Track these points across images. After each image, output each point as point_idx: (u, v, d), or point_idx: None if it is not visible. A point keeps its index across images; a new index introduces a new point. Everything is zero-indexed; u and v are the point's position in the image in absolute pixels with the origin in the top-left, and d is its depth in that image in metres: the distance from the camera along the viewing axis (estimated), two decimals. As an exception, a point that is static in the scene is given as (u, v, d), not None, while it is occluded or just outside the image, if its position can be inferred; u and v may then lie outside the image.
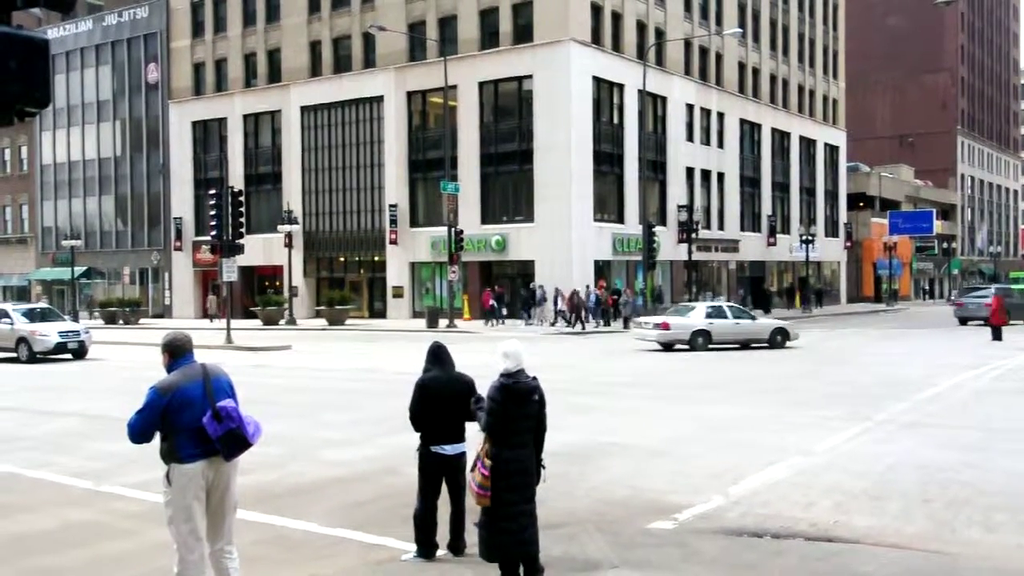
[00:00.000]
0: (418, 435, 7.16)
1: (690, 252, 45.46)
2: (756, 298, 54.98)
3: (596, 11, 44.94)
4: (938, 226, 78.68)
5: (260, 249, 49.87)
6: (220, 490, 5.79)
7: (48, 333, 27.14)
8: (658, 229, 43.86)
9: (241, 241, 32.54)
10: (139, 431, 5.70)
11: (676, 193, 50.01)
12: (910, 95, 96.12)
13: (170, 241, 57.24)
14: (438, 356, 7.18)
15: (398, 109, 47.86)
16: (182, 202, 56.54)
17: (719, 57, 54.84)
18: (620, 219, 46.26)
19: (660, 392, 17.84)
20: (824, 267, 67.59)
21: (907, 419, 13.77)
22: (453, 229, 39.52)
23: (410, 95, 47.69)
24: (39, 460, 11.64)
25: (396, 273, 48.11)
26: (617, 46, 46.32)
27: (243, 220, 32.72)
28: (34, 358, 26.91)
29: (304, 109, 51.32)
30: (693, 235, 45.84)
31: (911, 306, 69.80)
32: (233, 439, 5.62)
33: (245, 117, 54.12)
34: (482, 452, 6.23)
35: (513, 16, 44.55)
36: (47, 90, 4.94)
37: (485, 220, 44.95)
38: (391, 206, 47.62)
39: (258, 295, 51.02)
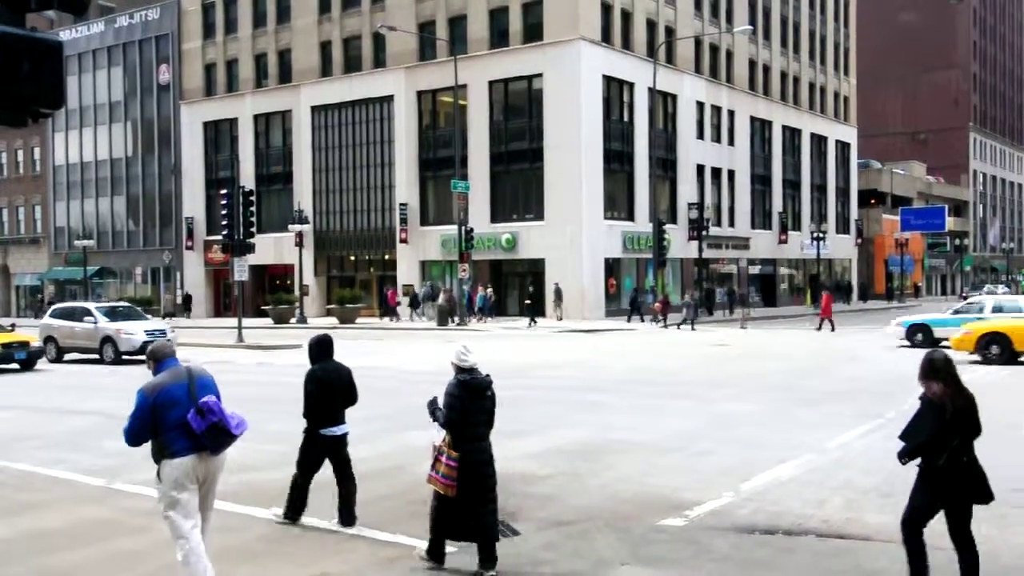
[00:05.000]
0: (306, 421, 8.01)
1: (700, 250, 45.37)
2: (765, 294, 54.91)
3: (606, 9, 44.88)
4: (950, 222, 78.33)
5: (271, 248, 50.01)
6: (207, 485, 6.16)
7: (134, 332, 25.69)
8: (668, 227, 43.78)
9: (252, 240, 32.63)
10: (133, 433, 6.02)
11: (686, 191, 49.91)
12: (922, 91, 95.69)
13: (182, 241, 57.46)
14: (325, 348, 8.07)
15: (408, 108, 47.91)
16: (193, 202, 56.75)
17: (729, 54, 54.70)
18: (630, 217, 46.21)
19: (665, 389, 17.83)
20: (835, 264, 67.35)
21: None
22: (463, 228, 39.55)
23: (420, 94, 47.73)
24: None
25: (406, 272, 48.17)
26: (627, 44, 46.26)
27: (254, 219, 32.80)
28: (119, 358, 25.50)
29: (315, 109, 51.43)
30: (703, 233, 45.75)
31: (922, 303, 69.49)
32: (217, 432, 5.95)
33: (256, 117, 54.27)
34: (444, 447, 6.65)
35: (523, 15, 44.54)
36: (60, 91, 4.97)
37: (495, 218, 44.96)
38: (401, 205, 47.68)
39: (269, 294, 51.19)
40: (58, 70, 4.93)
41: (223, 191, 34.10)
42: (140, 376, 21.01)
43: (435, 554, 6.94)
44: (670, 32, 49.10)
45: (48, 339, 26.94)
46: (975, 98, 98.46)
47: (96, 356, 26.24)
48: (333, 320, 45.10)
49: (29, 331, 27.86)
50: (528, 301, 40.44)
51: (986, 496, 6.05)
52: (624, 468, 10.53)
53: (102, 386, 20.64)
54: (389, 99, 48.63)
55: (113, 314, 27.24)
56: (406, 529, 8.00)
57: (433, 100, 47.77)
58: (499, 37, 45.32)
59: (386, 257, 49.85)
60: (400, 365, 23.90)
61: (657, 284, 44.39)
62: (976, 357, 21.21)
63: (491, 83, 45.21)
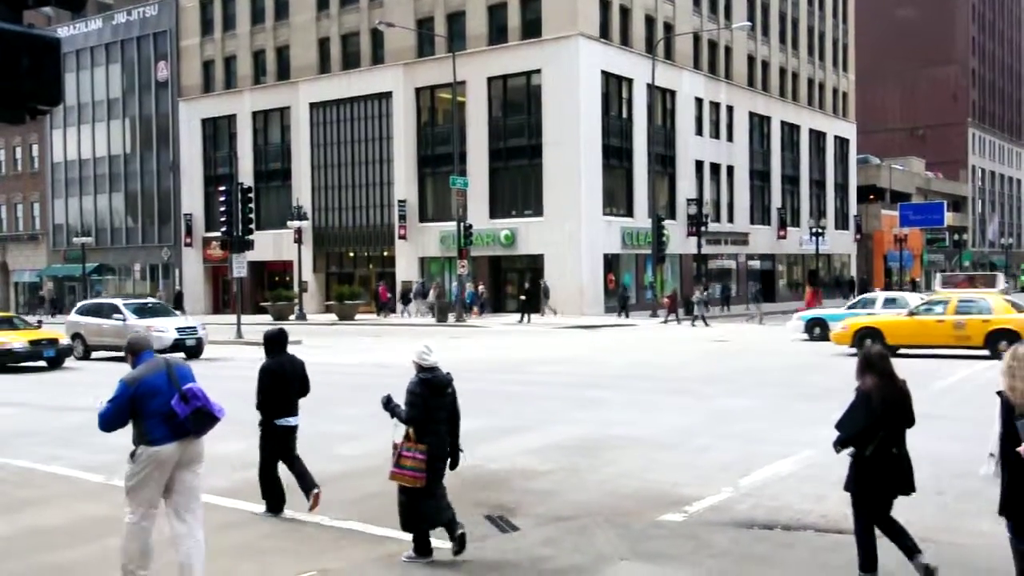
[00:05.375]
0: (260, 412, 8.32)
1: (699, 245, 45.38)
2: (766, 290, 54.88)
3: (604, 5, 44.84)
4: (949, 218, 78.28)
5: (270, 245, 49.99)
6: (190, 468, 6.41)
7: (165, 329, 24.69)
8: (667, 223, 43.80)
9: (251, 237, 32.63)
10: (109, 419, 6.33)
11: (685, 187, 49.91)
12: (921, 87, 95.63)
13: (180, 237, 57.44)
14: (279, 342, 8.51)
15: (407, 105, 47.87)
16: (192, 199, 56.72)
17: (728, 51, 54.67)
18: (629, 213, 46.21)
19: (663, 385, 17.84)
20: (834, 259, 67.37)
21: (920, 411, 13.70)
22: (462, 224, 39.54)
23: (419, 91, 47.69)
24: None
25: (405, 268, 48.16)
26: (626, 40, 46.23)
27: (253, 216, 32.79)
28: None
29: (313, 106, 51.39)
30: (702, 228, 45.75)
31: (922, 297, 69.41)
32: (201, 416, 6.26)
33: (254, 114, 54.23)
34: (409, 442, 6.92)
35: (521, 11, 44.50)
36: (58, 88, 4.96)
37: (494, 215, 44.95)
38: (400, 201, 47.67)
39: (268, 290, 51.20)
40: (56, 67, 4.92)
41: (222, 188, 34.12)
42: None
43: (423, 549, 7.06)
44: (669, 28, 49.06)
45: (75, 336, 26.03)
46: (974, 94, 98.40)
47: (122, 354, 25.95)
48: (332, 316, 45.12)
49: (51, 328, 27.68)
50: (523, 297, 40.39)
51: (908, 488, 6.27)
52: (623, 464, 10.54)
53: None
54: (388, 96, 48.59)
55: (142, 311, 26.36)
56: (405, 525, 8.01)
57: (432, 96, 47.73)
58: (498, 33, 45.29)
59: (385, 253, 49.85)
60: (399, 361, 23.90)
61: (656, 280, 44.38)
62: (854, 350, 21.88)
63: (490, 79, 45.18)
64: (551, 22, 43.44)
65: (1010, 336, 19.86)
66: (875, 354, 6.26)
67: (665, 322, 38.12)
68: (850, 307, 26.70)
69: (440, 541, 7.55)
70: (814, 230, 56.17)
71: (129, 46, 60.08)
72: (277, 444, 8.38)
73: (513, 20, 44.70)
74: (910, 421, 6.22)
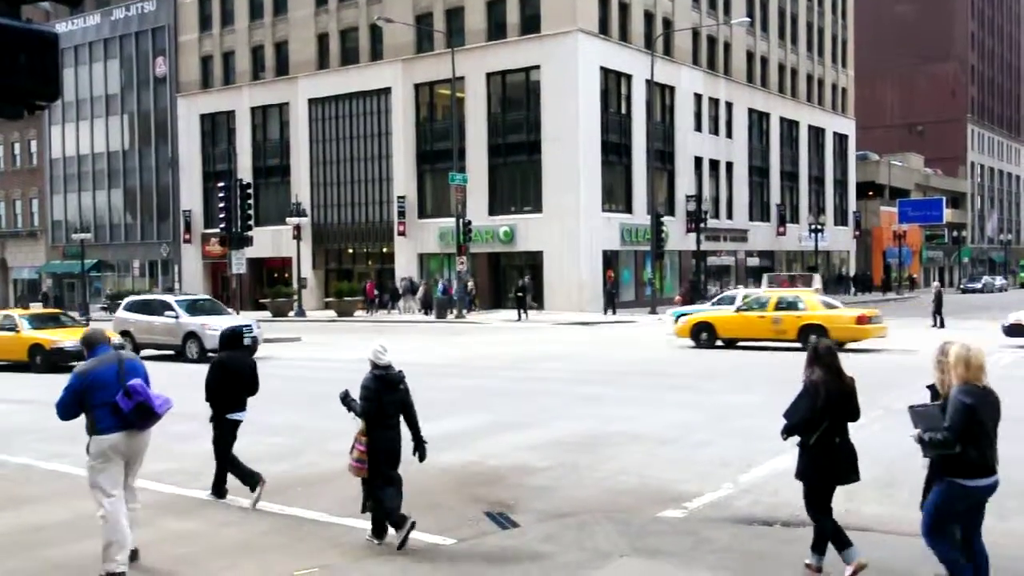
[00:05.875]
0: (211, 406, 8.71)
1: (698, 242, 45.38)
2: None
3: (603, 1, 44.79)
4: (948, 214, 78.34)
5: (269, 241, 49.95)
6: (134, 458, 6.93)
7: (220, 327, 24.23)
8: (666, 219, 43.79)
9: (250, 233, 32.70)
10: (62, 408, 6.78)
11: (684, 183, 49.90)
12: (919, 83, 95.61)
13: (179, 234, 57.41)
14: (234, 340, 9.13)
15: (406, 101, 47.83)
16: (191, 195, 56.68)
17: (727, 46, 54.63)
18: (628, 209, 46.20)
19: (663, 380, 17.84)
20: (833, 256, 67.39)
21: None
22: (461, 220, 39.52)
23: (418, 87, 47.64)
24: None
25: (404, 264, 48.14)
26: (625, 36, 46.19)
27: (251, 212, 32.87)
28: (205, 355, 22.89)
29: (312, 101, 51.33)
30: (702, 225, 45.75)
31: (919, 294, 69.55)
32: (142, 411, 6.70)
33: (253, 110, 54.17)
34: (359, 434, 7.40)
35: (520, 7, 44.44)
36: (56, 84, 4.95)
37: (493, 211, 44.93)
38: (399, 198, 47.64)
39: (267, 287, 51.17)
40: (54, 62, 4.91)
41: (220, 184, 34.16)
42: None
43: (380, 531, 7.44)
44: (668, 24, 49.02)
45: (123, 333, 24.77)
46: (973, 90, 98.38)
47: (171, 352, 24.44)
48: (331, 313, 45.10)
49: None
50: (519, 294, 40.24)
51: (852, 476, 6.56)
52: (623, 460, 10.54)
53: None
54: (387, 91, 48.54)
55: (193, 308, 25.22)
56: (405, 521, 8.01)
57: (431, 92, 47.68)
58: (497, 29, 45.23)
59: (384, 250, 49.83)
60: (403, 358, 23.87)
61: (655, 277, 44.35)
62: (692, 343, 24.87)
63: (489, 75, 45.13)
64: (550, 18, 43.40)
65: (818, 330, 21.53)
66: (822, 349, 6.51)
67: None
68: (715, 303, 27.68)
69: (438, 537, 7.56)
70: (813, 226, 56.20)
71: (127, 42, 60.00)
72: (229, 436, 8.76)
73: (512, 16, 44.65)
74: (854, 415, 6.51)
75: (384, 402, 7.36)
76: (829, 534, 6.52)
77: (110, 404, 6.62)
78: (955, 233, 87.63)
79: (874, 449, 10.67)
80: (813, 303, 23.86)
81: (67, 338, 22.21)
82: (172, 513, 8.53)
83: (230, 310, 30.36)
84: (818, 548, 6.60)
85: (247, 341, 23.53)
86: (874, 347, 23.41)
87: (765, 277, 33.42)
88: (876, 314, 24.29)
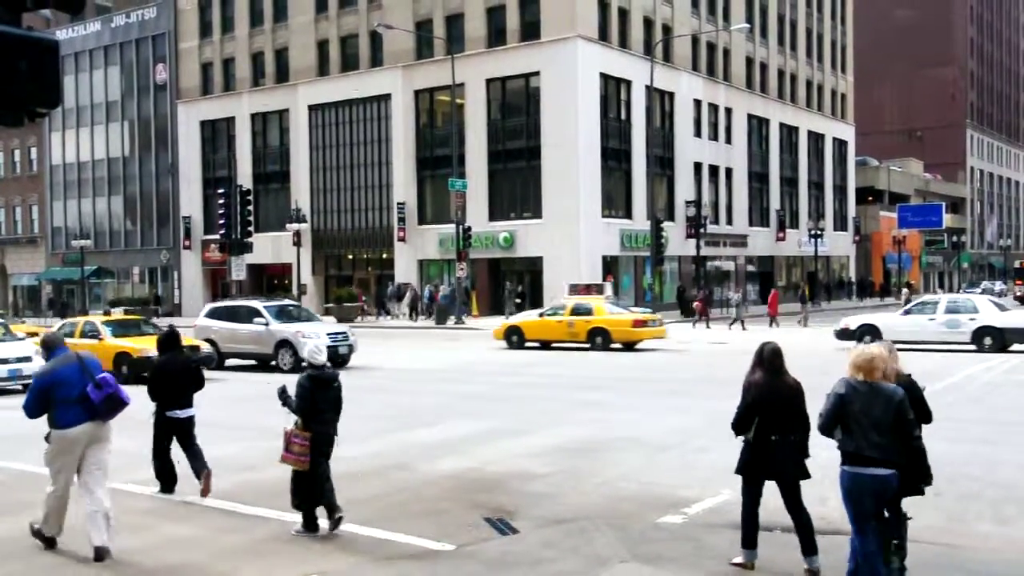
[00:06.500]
0: (154, 404, 9.29)
1: (698, 247, 45.39)
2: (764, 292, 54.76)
3: (603, 7, 44.86)
4: (947, 219, 78.32)
5: (269, 247, 49.97)
6: (100, 445, 7.47)
7: (316, 335, 21.17)
8: (666, 225, 43.79)
9: (250, 240, 32.71)
10: (29, 409, 7.38)
11: (684, 189, 49.92)
12: (919, 88, 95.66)
13: (179, 240, 57.41)
14: (172, 341, 9.63)
15: (406, 107, 47.88)
16: (191, 201, 56.71)
17: (727, 52, 54.70)
18: (628, 215, 46.22)
19: (663, 387, 17.84)
20: (833, 261, 67.39)
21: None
22: (461, 226, 39.54)
23: (417, 93, 47.70)
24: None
25: (404, 270, 48.14)
26: (624, 42, 46.25)
27: (251, 219, 32.89)
28: (298, 366, 19.75)
29: (312, 108, 51.39)
30: (701, 230, 45.76)
31: (918, 299, 69.42)
32: (112, 401, 7.34)
33: (253, 116, 54.22)
34: (297, 429, 7.87)
35: (520, 13, 44.52)
36: (57, 91, 4.97)
37: (493, 217, 44.95)
38: (399, 204, 47.67)
39: (267, 293, 51.15)
40: (55, 69, 4.93)
41: (220, 190, 34.19)
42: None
43: (310, 525, 7.87)
44: (667, 30, 49.09)
45: (207, 343, 22.85)
46: (972, 95, 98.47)
47: (253, 363, 23.03)
48: (331, 319, 45.04)
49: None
50: (518, 300, 40.29)
51: (779, 475, 6.73)
52: (622, 466, 10.54)
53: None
54: (387, 98, 48.59)
55: (282, 314, 23.52)
56: (404, 527, 8.02)
57: (430, 99, 47.73)
58: (496, 35, 45.30)
59: (384, 256, 49.84)
60: (401, 364, 23.90)
61: (655, 282, 44.35)
62: (504, 344, 27.77)
63: (488, 81, 45.20)
64: (550, 24, 43.46)
65: (603, 333, 26.24)
66: (767, 351, 6.83)
67: (694, 325, 37.30)
68: (541, 314, 28.84)
69: (437, 543, 7.56)
70: (813, 232, 56.19)
71: (128, 48, 60.06)
72: (168, 433, 9.27)
73: (512, 22, 44.72)
74: (796, 416, 6.66)
75: (317, 399, 7.87)
76: (743, 523, 6.85)
77: (74, 398, 7.22)
78: (955, 238, 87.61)
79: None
80: (600, 309, 27.17)
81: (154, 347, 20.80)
82: (173, 519, 8.53)
83: (319, 316, 28.39)
84: (747, 544, 6.88)
85: (343, 350, 22.38)
86: (654, 347, 26.90)
87: (565, 285, 36.78)
88: (655, 318, 27.84)
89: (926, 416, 6.49)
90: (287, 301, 28.21)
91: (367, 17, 48.76)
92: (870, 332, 23.05)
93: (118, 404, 7.40)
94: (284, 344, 22.28)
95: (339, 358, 21.66)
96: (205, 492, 9.01)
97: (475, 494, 9.29)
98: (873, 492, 6.06)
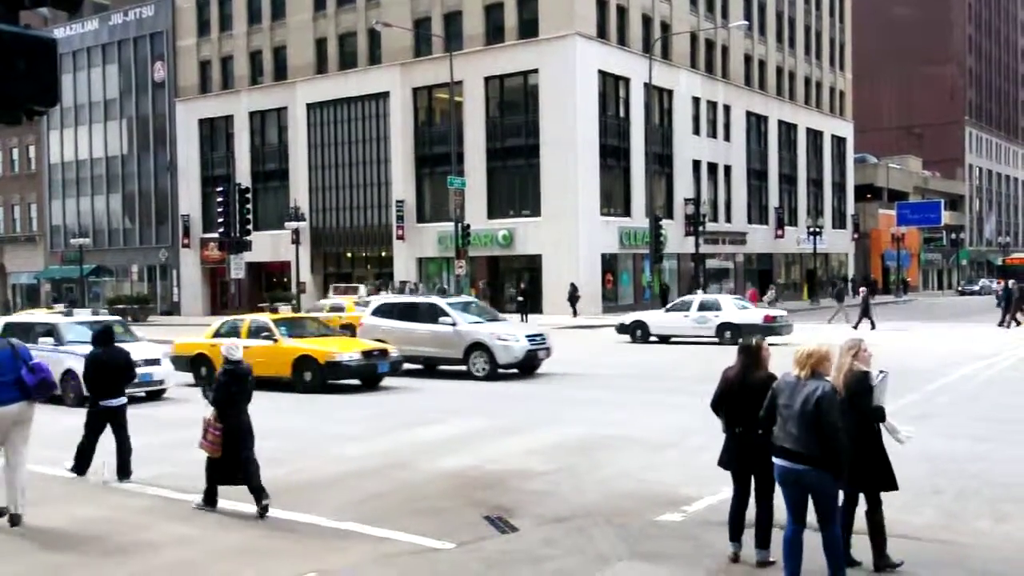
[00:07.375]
0: (88, 394, 10.07)
1: (697, 245, 45.40)
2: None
3: (601, 5, 44.84)
4: (946, 217, 78.38)
5: (268, 246, 49.93)
6: (25, 424, 8.27)
7: (515, 338, 19.55)
8: (665, 222, 43.78)
9: (248, 238, 32.62)
10: None
11: (683, 186, 49.92)
12: (917, 86, 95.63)
13: (178, 238, 57.37)
14: (107, 336, 10.29)
15: (404, 105, 47.86)
16: (189, 199, 56.67)
17: (725, 50, 54.68)
18: (627, 213, 46.22)
19: (661, 385, 17.84)
20: (832, 259, 67.41)
21: (917, 411, 13.74)
22: (460, 224, 39.52)
23: (416, 91, 47.67)
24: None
25: (403, 268, 48.13)
26: (623, 40, 46.24)
27: (250, 217, 32.79)
28: (495, 373, 19.13)
29: (310, 106, 51.36)
30: (700, 228, 45.76)
31: (919, 297, 69.65)
32: (45, 384, 8.23)
33: (251, 114, 54.18)
34: (212, 419, 8.53)
35: (518, 11, 44.48)
36: (55, 89, 4.96)
37: (492, 215, 44.94)
38: (398, 202, 47.65)
39: (266, 291, 51.13)
40: (52, 68, 4.92)
41: (219, 188, 34.08)
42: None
43: (210, 500, 8.63)
44: (666, 27, 49.07)
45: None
46: (971, 92, 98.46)
47: (420, 367, 20.47)
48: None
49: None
50: (520, 298, 40.22)
51: (734, 466, 6.84)
52: (622, 464, 10.54)
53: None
54: (385, 96, 48.57)
55: (466, 311, 20.92)
56: (404, 525, 8.02)
57: (429, 97, 47.72)
58: (494, 33, 45.27)
59: (383, 254, 49.83)
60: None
61: (654, 280, 44.35)
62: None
63: (487, 79, 45.17)
64: (548, 22, 43.44)
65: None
66: (750, 344, 6.92)
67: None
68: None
69: (437, 541, 7.55)
70: (811, 229, 56.19)
71: (126, 47, 59.99)
72: (101, 422, 10.03)
73: (510, 20, 44.69)
74: (758, 408, 6.46)
75: (232, 392, 8.56)
76: (729, 516, 7.00)
77: (7, 381, 8.04)
78: (953, 235, 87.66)
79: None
80: (351, 307, 30.72)
81: (344, 351, 17.75)
82: (170, 517, 8.53)
83: (504, 316, 25.22)
84: (734, 536, 7.03)
85: (542, 354, 19.99)
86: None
87: (332, 287, 41.28)
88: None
89: (872, 413, 6.44)
90: (468, 297, 25.38)
91: (365, 15, 48.72)
92: (640, 327, 28.60)
93: (49, 387, 8.30)
94: (478, 347, 19.41)
95: (536, 361, 19.72)
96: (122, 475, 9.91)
97: (475, 492, 9.29)
98: (786, 483, 6.18)
